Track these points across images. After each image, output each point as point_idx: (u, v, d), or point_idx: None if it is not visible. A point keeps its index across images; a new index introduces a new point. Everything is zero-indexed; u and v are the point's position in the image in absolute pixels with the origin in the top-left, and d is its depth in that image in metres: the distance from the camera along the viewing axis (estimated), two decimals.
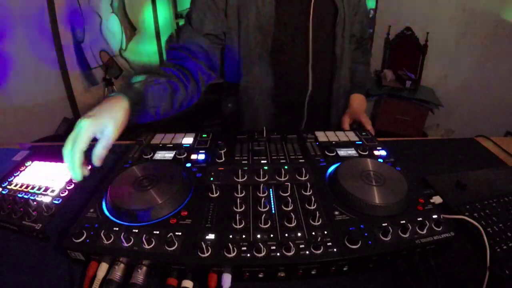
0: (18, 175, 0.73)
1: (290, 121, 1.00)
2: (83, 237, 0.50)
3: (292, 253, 0.47)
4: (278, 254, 0.47)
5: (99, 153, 0.54)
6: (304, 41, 0.88)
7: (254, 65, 0.89)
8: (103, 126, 0.55)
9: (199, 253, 0.47)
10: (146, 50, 3.13)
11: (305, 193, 0.59)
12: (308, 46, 0.89)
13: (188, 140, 0.79)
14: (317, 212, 0.53)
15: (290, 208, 0.55)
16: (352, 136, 0.82)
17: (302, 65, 0.91)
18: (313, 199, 0.56)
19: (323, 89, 0.98)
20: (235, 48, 0.89)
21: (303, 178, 0.63)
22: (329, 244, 0.49)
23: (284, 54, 0.90)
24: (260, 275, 0.48)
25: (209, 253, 0.47)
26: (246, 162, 0.70)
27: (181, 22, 3.21)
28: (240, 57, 0.89)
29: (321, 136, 0.81)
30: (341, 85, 0.99)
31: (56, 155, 0.81)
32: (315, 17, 0.86)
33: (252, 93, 0.93)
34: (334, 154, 0.72)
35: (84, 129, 0.53)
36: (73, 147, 0.52)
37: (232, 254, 0.47)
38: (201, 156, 0.72)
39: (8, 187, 0.69)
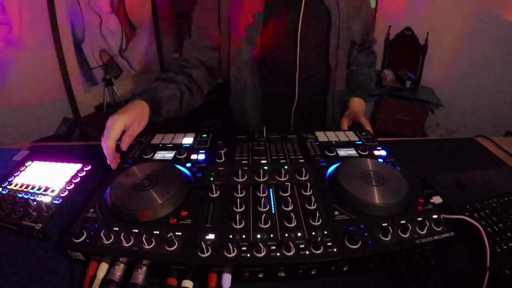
0: (18, 175, 0.73)
1: (278, 125, 1.00)
2: (83, 237, 0.50)
3: (292, 253, 0.47)
4: (278, 254, 0.47)
5: (126, 140, 0.68)
6: (292, 46, 0.88)
7: (243, 71, 0.91)
8: (130, 121, 0.68)
9: (199, 253, 0.47)
10: (146, 50, 3.13)
11: (305, 193, 0.59)
12: (296, 56, 0.89)
13: (188, 140, 0.79)
14: (317, 212, 0.53)
15: (290, 208, 0.55)
16: (352, 136, 0.82)
17: (289, 70, 0.91)
18: (313, 199, 0.56)
19: (315, 95, 0.98)
20: (226, 52, 0.91)
21: (303, 178, 0.63)
22: (329, 244, 0.49)
23: (272, 57, 0.91)
24: (260, 275, 0.48)
25: (209, 253, 0.47)
26: (246, 162, 0.70)
27: (181, 22, 3.21)
28: (230, 63, 0.91)
29: (321, 136, 0.81)
30: (336, 94, 0.98)
31: (56, 155, 0.82)
32: (305, 26, 0.86)
33: (241, 95, 0.94)
34: (334, 154, 0.72)
35: (117, 123, 0.65)
36: (109, 137, 0.64)
37: (232, 254, 0.47)
38: (201, 156, 0.72)
39: (8, 187, 0.69)
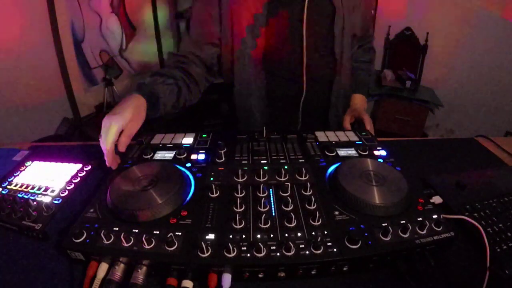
0: (18, 175, 0.73)
1: (285, 123, 1.00)
2: (83, 237, 0.50)
3: (292, 253, 0.47)
4: (278, 254, 0.47)
5: (123, 141, 0.66)
6: (297, 42, 0.88)
7: (247, 67, 0.90)
8: (127, 121, 0.66)
9: (199, 253, 0.47)
10: (146, 50, 3.13)
11: (305, 193, 0.59)
12: (302, 47, 0.88)
13: (188, 140, 0.79)
14: (317, 212, 0.53)
15: (290, 208, 0.55)
16: (352, 136, 0.82)
17: (296, 66, 0.91)
18: (313, 199, 0.56)
19: (321, 90, 0.97)
20: (228, 50, 0.90)
21: (303, 178, 0.63)
22: (329, 244, 0.49)
23: (277, 55, 0.90)
24: (260, 275, 0.48)
25: (209, 253, 0.47)
26: (246, 162, 0.70)
27: (181, 22, 3.21)
28: (233, 59, 0.90)
29: (321, 136, 0.81)
30: (341, 86, 0.98)
31: (56, 155, 0.82)
32: (309, 17, 0.86)
33: (245, 94, 0.94)
34: (334, 154, 0.72)
35: (113, 124, 0.64)
36: (107, 140, 0.63)
37: (232, 254, 0.47)
38: (201, 156, 0.72)
39: (8, 187, 0.69)
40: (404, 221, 0.52)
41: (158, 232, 0.51)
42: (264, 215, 0.53)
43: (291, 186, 0.60)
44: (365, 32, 1.05)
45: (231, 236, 0.50)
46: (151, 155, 0.72)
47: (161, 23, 3.13)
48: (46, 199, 0.66)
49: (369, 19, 1.04)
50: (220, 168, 0.67)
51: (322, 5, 0.87)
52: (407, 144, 0.95)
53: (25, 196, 0.66)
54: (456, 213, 0.62)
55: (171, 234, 0.49)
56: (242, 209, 0.55)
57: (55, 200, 0.66)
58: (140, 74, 3.07)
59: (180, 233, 0.50)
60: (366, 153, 0.73)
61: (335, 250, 0.48)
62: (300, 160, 0.70)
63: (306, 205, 0.56)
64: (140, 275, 0.47)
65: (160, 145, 0.77)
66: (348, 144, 0.77)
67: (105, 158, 0.65)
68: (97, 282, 0.47)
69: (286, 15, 0.86)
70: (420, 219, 0.53)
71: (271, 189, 0.60)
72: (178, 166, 0.66)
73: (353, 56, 1.05)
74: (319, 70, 0.94)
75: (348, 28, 0.91)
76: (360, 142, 0.79)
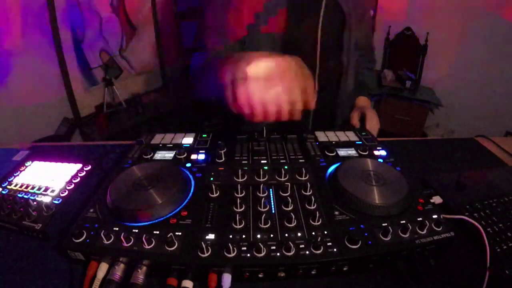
0: (18, 175, 0.73)
1: (288, 124, 1.00)
2: (83, 237, 0.50)
3: (292, 253, 0.47)
4: (278, 254, 0.47)
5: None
6: (312, 51, 0.89)
7: None
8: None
9: (199, 253, 0.47)
10: (146, 50, 3.13)
11: (305, 193, 0.59)
12: (316, 56, 0.89)
13: (188, 140, 0.79)
14: (317, 212, 0.53)
15: (290, 208, 0.55)
16: (352, 136, 0.82)
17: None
18: (313, 199, 0.56)
19: (328, 97, 0.99)
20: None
21: (303, 178, 0.63)
22: (329, 244, 0.49)
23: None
24: (260, 275, 0.48)
25: (209, 253, 0.47)
26: (246, 162, 0.70)
27: (182, 22, 3.21)
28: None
29: (321, 136, 0.81)
30: (347, 92, 1.00)
31: (56, 155, 0.82)
32: (324, 27, 0.87)
33: None
34: (334, 154, 0.72)
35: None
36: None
37: (232, 254, 0.47)
38: (201, 156, 0.72)
39: (8, 187, 0.69)
40: (404, 221, 0.52)
41: (158, 232, 0.51)
42: (264, 215, 0.52)
43: (291, 186, 0.60)
44: (367, 43, 1.08)
45: (231, 236, 0.50)
46: (151, 155, 0.72)
47: (161, 23, 3.13)
48: (46, 199, 0.66)
49: (370, 32, 1.08)
50: (220, 168, 0.67)
51: (334, 15, 0.89)
52: (407, 144, 0.95)
53: (25, 196, 0.66)
54: (456, 213, 0.61)
55: (171, 234, 0.49)
56: (242, 209, 0.55)
57: (55, 200, 0.66)
58: (140, 74, 3.07)
59: (180, 233, 0.50)
60: (366, 153, 0.73)
61: (335, 250, 0.48)
62: (300, 160, 0.70)
63: (306, 205, 0.56)
64: (140, 275, 0.47)
65: (160, 145, 0.77)
66: (348, 144, 0.77)
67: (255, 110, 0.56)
68: (97, 282, 0.47)
69: (303, 23, 0.87)
70: (420, 219, 0.53)
71: (271, 189, 0.60)
72: (178, 166, 0.66)
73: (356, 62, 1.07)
74: (328, 78, 0.95)
75: (354, 37, 0.94)
76: (360, 142, 0.79)
